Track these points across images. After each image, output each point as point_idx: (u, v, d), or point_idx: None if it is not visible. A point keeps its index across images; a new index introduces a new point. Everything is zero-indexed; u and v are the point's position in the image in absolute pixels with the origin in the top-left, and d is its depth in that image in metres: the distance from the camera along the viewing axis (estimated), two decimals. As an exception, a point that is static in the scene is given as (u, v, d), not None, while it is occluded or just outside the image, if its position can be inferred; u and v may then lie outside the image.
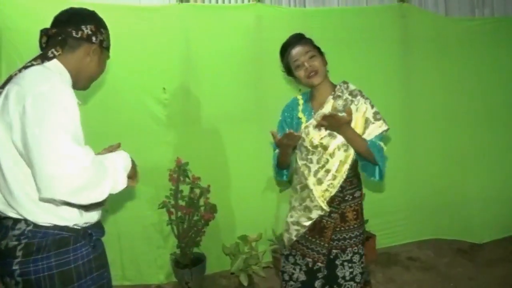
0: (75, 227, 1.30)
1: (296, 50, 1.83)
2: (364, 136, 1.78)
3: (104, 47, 1.45)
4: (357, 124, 1.79)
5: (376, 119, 1.81)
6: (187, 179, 2.91)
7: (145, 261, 3.04)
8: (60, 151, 1.12)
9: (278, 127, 1.97)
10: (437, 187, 3.58)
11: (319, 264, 1.85)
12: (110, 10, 2.77)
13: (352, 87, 1.89)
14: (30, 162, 1.15)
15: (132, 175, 1.40)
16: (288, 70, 1.90)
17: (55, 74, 1.28)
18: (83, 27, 1.37)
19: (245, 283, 2.82)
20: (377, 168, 1.80)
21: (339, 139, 1.79)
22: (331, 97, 1.87)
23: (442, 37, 3.48)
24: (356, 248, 1.88)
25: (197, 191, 2.93)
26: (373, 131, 1.79)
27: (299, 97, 1.99)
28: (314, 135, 1.84)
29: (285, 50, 1.88)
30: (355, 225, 1.88)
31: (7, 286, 1.28)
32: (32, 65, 1.30)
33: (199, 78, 3.01)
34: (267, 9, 3.18)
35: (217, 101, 3.03)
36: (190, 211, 2.89)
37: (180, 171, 2.87)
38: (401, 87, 3.49)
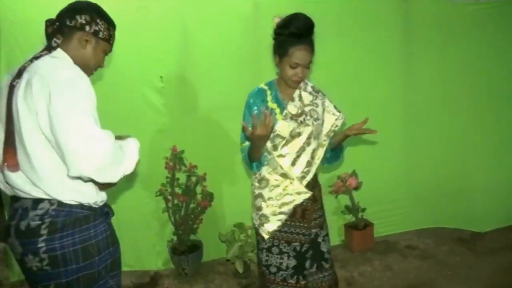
0: (94, 205, 1.41)
1: (303, 52, 1.79)
2: (332, 128, 1.98)
3: (100, 37, 1.48)
4: (322, 117, 1.96)
5: (338, 111, 2.00)
6: (183, 167, 2.92)
7: (143, 248, 3.09)
8: (86, 133, 1.23)
9: (245, 119, 1.91)
10: (439, 176, 3.55)
11: (306, 245, 1.93)
12: (106, -2, 2.78)
13: (310, 83, 2.00)
14: (58, 144, 1.25)
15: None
16: (281, 51, 1.82)
17: (64, 62, 1.38)
18: (77, 16, 1.43)
19: (241, 270, 2.85)
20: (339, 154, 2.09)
21: (313, 128, 1.89)
22: (298, 91, 1.93)
23: (446, 22, 3.39)
24: (326, 223, 2.06)
25: (194, 179, 2.95)
26: (338, 122, 1.98)
27: (264, 86, 1.96)
28: (293, 125, 1.86)
29: (290, 34, 1.79)
30: (321, 204, 2.05)
31: (24, 265, 1.35)
32: (41, 55, 1.39)
33: (196, 66, 3.00)
34: (265, -4, 3.13)
35: (214, 90, 3.02)
36: (186, 198, 2.91)
37: (176, 159, 2.89)
38: (402, 74, 3.44)
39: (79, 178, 1.30)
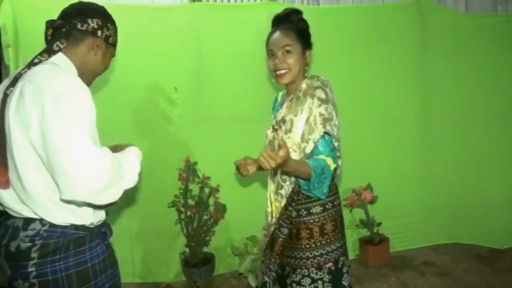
0: (90, 225, 1.29)
1: (276, 36, 1.62)
2: (306, 144, 1.55)
3: (110, 43, 1.42)
4: (299, 130, 1.58)
5: (320, 124, 1.53)
6: (196, 178, 2.91)
7: (155, 260, 3.07)
8: (81, 154, 1.12)
9: None
10: (456, 190, 3.46)
11: (266, 278, 1.68)
12: (122, 10, 2.79)
13: (314, 83, 1.63)
14: (50, 163, 1.14)
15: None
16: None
17: (66, 70, 1.26)
18: (89, 20, 1.34)
19: (253, 284, 2.80)
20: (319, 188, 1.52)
21: (288, 142, 1.57)
22: (292, 95, 1.67)
23: (462, 34, 3.35)
24: (306, 270, 1.61)
25: (207, 190, 2.93)
26: (314, 137, 1.53)
27: (280, 93, 1.90)
28: (269, 136, 1.76)
29: (272, 25, 1.68)
30: (308, 245, 1.62)
31: None
32: (40, 61, 1.27)
33: (210, 78, 3.00)
34: (280, 7, 3.06)
35: (228, 101, 3.02)
36: (199, 210, 2.89)
37: (189, 170, 2.87)
38: (418, 87, 3.39)
39: (73, 202, 1.20)
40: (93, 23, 1.34)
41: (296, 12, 1.67)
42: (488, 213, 3.44)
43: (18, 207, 1.24)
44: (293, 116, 1.60)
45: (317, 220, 1.63)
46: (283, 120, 1.65)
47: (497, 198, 3.43)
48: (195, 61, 2.99)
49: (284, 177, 1.63)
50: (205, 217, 2.94)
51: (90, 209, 1.28)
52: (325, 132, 1.53)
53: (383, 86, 3.30)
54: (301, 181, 1.58)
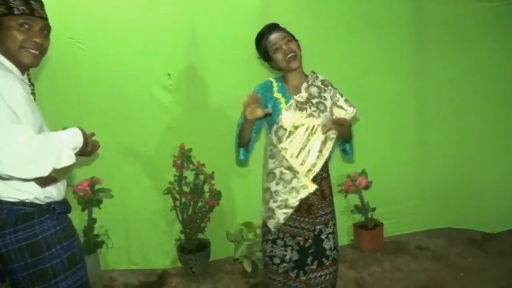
0: (37, 201, 1.38)
1: (274, 35, 1.92)
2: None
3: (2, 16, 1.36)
4: (330, 110, 1.95)
5: (349, 106, 1.97)
6: (191, 165, 2.90)
7: (151, 246, 3.07)
8: None
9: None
10: (450, 176, 3.49)
11: (310, 241, 1.94)
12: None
13: (321, 77, 2.02)
14: None
15: (87, 150, 1.44)
16: (265, 55, 1.98)
17: None
18: None
19: (249, 270, 2.82)
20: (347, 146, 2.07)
21: (319, 120, 1.90)
22: (305, 84, 1.97)
23: (458, 20, 3.32)
24: (334, 220, 2.04)
25: (202, 177, 2.92)
26: (347, 116, 1.92)
27: (272, 79, 2.03)
28: (296, 117, 1.89)
29: (262, 37, 1.97)
30: (331, 200, 2.03)
31: None
32: None
33: (204, 63, 2.97)
34: (273, -9, 3.09)
35: (222, 87, 2.99)
36: (194, 197, 2.89)
37: (184, 157, 2.86)
38: (414, 74, 3.39)
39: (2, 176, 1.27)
40: None
41: (277, 24, 1.99)
42: (481, 198, 3.48)
43: None
44: (322, 100, 1.95)
45: (329, 179, 2.06)
46: (309, 103, 1.93)
47: (490, 184, 3.46)
48: (188, 46, 2.95)
49: (322, 149, 1.92)
50: (200, 204, 2.94)
51: (36, 185, 1.36)
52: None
53: (379, 73, 3.29)
54: (343, 144, 2.05)
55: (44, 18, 1.44)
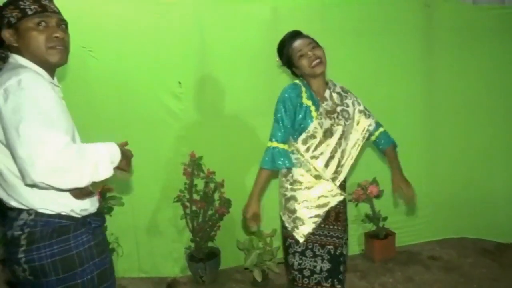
0: (73, 214, 1.35)
1: (299, 42, 1.92)
2: (368, 126, 2.05)
3: (13, 23, 1.34)
4: (354, 117, 2.02)
5: (370, 112, 2.08)
6: (201, 173, 2.90)
7: (160, 254, 3.07)
8: (31, 137, 1.15)
9: (278, 113, 1.91)
10: (462, 184, 3.43)
11: (340, 248, 1.95)
12: (125, 3, 2.78)
13: (339, 85, 2.05)
14: (10, 151, 1.21)
15: (124, 166, 1.41)
16: (288, 61, 1.98)
17: (17, 67, 1.29)
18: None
19: (259, 279, 2.80)
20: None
21: (346, 128, 1.95)
22: (328, 91, 1.97)
23: (469, 27, 3.30)
24: (348, 227, 2.08)
25: (212, 185, 2.92)
26: (364, 123, 2.03)
27: (300, 83, 1.97)
28: (326, 124, 1.90)
29: (285, 44, 1.98)
30: (346, 208, 2.06)
31: (15, 274, 1.35)
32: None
33: (214, 72, 2.98)
34: (283, 0, 3.11)
35: (232, 95, 3.00)
36: (204, 205, 2.89)
37: (194, 165, 2.87)
38: (424, 80, 3.36)
39: (35, 185, 1.22)
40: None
41: (298, 31, 2.01)
42: (494, 207, 3.42)
43: (6, 198, 1.33)
44: (345, 107, 1.98)
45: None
46: (336, 110, 1.95)
47: (503, 192, 3.40)
48: (199, 55, 2.96)
49: (348, 157, 1.98)
50: (210, 212, 2.94)
51: (71, 198, 1.33)
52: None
53: (388, 79, 3.27)
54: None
55: (57, 12, 1.41)
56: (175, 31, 2.89)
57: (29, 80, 1.24)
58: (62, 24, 1.41)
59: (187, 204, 2.90)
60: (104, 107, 2.87)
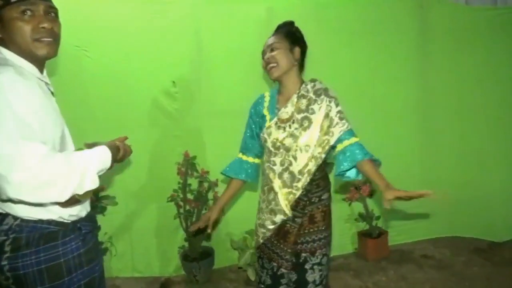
0: (62, 220, 1.25)
1: (268, 40, 1.79)
2: (330, 137, 1.71)
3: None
4: (319, 126, 1.72)
5: (339, 119, 1.71)
6: (195, 173, 2.90)
7: (154, 254, 3.07)
8: (5, 150, 1.05)
9: (246, 126, 1.93)
10: (455, 183, 3.45)
11: (283, 270, 1.78)
12: (121, 2, 2.78)
13: (318, 85, 1.78)
14: None
15: (119, 157, 1.35)
16: None
17: (1, 66, 1.17)
18: None
19: (253, 278, 2.80)
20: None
21: (301, 140, 1.72)
22: (295, 95, 1.77)
23: (462, 27, 3.34)
24: (324, 249, 1.79)
25: (206, 185, 2.92)
26: (336, 131, 1.70)
27: (267, 93, 1.90)
28: (276, 135, 1.76)
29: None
30: (323, 227, 1.79)
31: None
32: None
33: (209, 72, 2.99)
34: (279, 0, 3.12)
35: (227, 95, 3.00)
36: (198, 204, 2.89)
37: (188, 165, 2.87)
38: (418, 81, 3.39)
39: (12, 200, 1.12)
40: None
41: (289, 22, 1.84)
42: (487, 206, 3.44)
43: None
44: (308, 114, 1.73)
45: (326, 205, 1.82)
46: (293, 119, 1.75)
47: (496, 191, 3.43)
48: (194, 54, 2.97)
49: (303, 171, 1.73)
50: (204, 212, 2.94)
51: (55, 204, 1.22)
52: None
53: (383, 79, 3.29)
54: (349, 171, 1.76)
55: None
56: (171, 31, 2.90)
57: (5, 82, 1.11)
58: (51, 12, 1.26)
59: (181, 203, 2.90)
60: (98, 107, 2.87)
